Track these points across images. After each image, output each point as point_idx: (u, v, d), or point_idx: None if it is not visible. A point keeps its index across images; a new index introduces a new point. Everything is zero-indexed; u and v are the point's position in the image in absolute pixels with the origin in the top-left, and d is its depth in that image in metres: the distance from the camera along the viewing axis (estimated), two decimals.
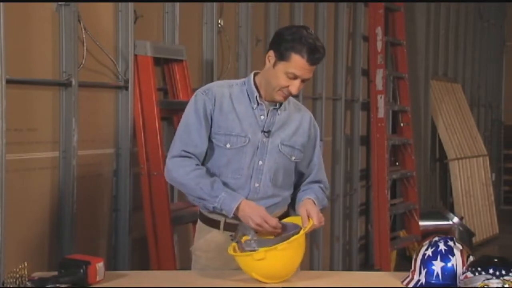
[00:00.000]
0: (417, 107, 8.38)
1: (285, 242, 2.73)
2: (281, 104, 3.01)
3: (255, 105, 2.99)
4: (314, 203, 2.96)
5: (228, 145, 2.96)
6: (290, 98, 3.07)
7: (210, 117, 2.98)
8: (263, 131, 2.98)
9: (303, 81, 2.92)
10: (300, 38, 2.88)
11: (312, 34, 2.94)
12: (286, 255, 2.75)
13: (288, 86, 2.91)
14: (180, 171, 2.96)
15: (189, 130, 2.99)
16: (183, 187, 3.01)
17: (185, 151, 2.97)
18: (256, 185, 2.97)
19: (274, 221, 2.86)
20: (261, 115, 2.99)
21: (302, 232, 2.80)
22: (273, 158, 2.99)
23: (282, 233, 2.86)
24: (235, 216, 2.90)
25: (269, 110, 3.00)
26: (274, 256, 2.72)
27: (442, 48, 9.43)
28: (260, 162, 2.98)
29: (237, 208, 2.88)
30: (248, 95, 3.00)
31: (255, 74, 3.04)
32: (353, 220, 7.24)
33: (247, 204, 2.89)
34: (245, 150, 2.96)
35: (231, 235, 2.88)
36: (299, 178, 3.13)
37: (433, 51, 8.95)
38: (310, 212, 2.89)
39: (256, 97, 2.98)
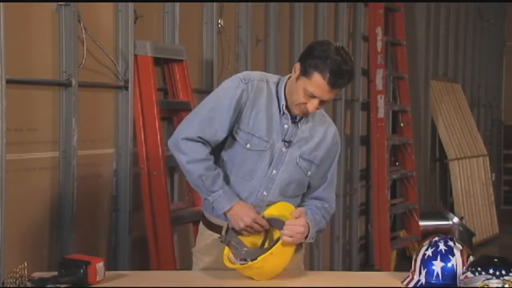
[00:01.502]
0: (417, 107, 8.38)
1: (278, 245, 2.76)
2: (302, 116, 2.91)
3: (282, 113, 2.89)
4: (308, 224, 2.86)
5: (248, 145, 2.88)
6: None
7: (242, 108, 2.86)
8: (283, 140, 2.90)
9: (322, 101, 2.81)
10: (327, 58, 2.74)
11: (343, 54, 2.77)
12: (281, 255, 2.78)
13: (305, 103, 2.81)
14: (190, 156, 2.84)
15: (214, 115, 2.85)
16: (186, 171, 2.91)
17: (200, 137, 2.86)
18: (265, 193, 2.91)
19: (263, 222, 2.85)
20: (285, 124, 2.90)
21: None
22: (288, 170, 2.91)
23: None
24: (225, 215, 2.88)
25: (292, 120, 2.90)
26: (270, 260, 2.76)
27: (442, 48, 9.43)
28: (274, 172, 2.90)
29: (229, 210, 2.86)
30: (278, 100, 2.90)
31: (288, 78, 2.93)
32: (353, 220, 7.24)
33: (238, 205, 2.86)
34: (263, 155, 2.89)
35: (219, 237, 2.86)
36: (307, 188, 3.05)
37: (433, 51, 8.95)
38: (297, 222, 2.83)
39: (283, 106, 2.88)
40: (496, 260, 2.53)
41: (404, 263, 7.24)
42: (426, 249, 2.69)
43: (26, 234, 3.50)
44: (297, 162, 2.92)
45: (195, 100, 4.44)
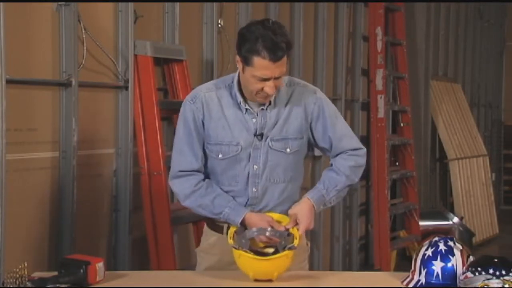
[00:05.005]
0: (417, 107, 8.38)
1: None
2: (269, 102, 2.89)
3: (244, 110, 2.89)
4: (313, 206, 2.90)
5: (220, 156, 2.90)
6: (282, 82, 2.94)
7: (202, 125, 2.90)
8: (255, 135, 2.89)
9: (276, 78, 2.79)
10: (257, 38, 2.72)
11: (271, 26, 2.74)
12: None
13: (262, 88, 2.79)
14: (180, 195, 2.94)
15: (181, 148, 2.92)
16: (188, 207, 2.98)
17: (181, 171, 2.92)
18: (254, 190, 2.92)
19: (282, 228, 2.84)
20: (252, 118, 2.89)
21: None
22: (267, 158, 2.90)
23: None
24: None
25: (258, 111, 2.89)
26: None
27: (442, 48, 9.43)
28: (255, 167, 2.90)
29: (244, 220, 2.85)
30: (236, 99, 2.90)
31: (238, 73, 2.91)
32: (353, 220, 7.24)
33: (253, 214, 2.86)
34: (238, 158, 2.89)
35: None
36: (326, 151, 3.01)
37: (433, 51, 8.95)
38: (299, 220, 2.85)
39: (241, 103, 2.88)
40: (496, 260, 2.53)
41: (404, 263, 7.25)
42: (426, 249, 2.69)
43: (26, 234, 3.50)
44: (269, 146, 2.91)
45: None
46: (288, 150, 2.93)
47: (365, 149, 3.05)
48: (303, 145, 2.98)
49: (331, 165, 3.02)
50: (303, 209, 2.89)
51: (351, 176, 2.99)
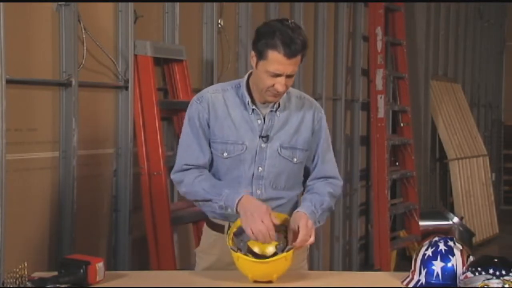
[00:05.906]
0: (417, 107, 8.39)
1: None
2: (279, 105, 2.91)
3: (250, 111, 2.90)
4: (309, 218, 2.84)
5: (225, 154, 2.90)
6: (292, 93, 2.97)
7: (207, 125, 2.91)
8: (261, 136, 2.89)
9: (288, 76, 2.79)
10: (274, 33, 2.73)
11: (290, 25, 2.76)
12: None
13: (273, 85, 2.79)
14: (184, 181, 2.93)
15: (188, 143, 2.94)
16: (190, 195, 2.96)
17: (186, 164, 2.93)
18: (258, 192, 2.91)
19: (275, 219, 2.79)
20: (257, 120, 2.90)
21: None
22: (273, 164, 2.91)
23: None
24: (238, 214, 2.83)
25: (266, 113, 2.90)
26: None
27: (442, 48, 9.44)
28: (260, 169, 2.90)
29: (239, 202, 2.80)
30: (243, 100, 2.91)
31: (249, 75, 2.93)
32: (353, 220, 7.24)
33: (250, 200, 2.81)
34: (242, 158, 2.89)
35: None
36: (307, 173, 3.05)
37: (433, 51, 8.96)
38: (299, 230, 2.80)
39: (248, 102, 2.89)
40: (496, 260, 2.53)
41: (404, 263, 7.25)
42: (426, 249, 2.69)
43: (26, 234, 3.50)
44: (279, 152, 2.91)
45: None
46: (295, 159, 2.95)
47: (342, 183, 3.09)
48: (306, 158, 3.00)
49: (309, 190, 3.01)
50: (301, 222, 2.82)
51: (330, 202, 3.00)
